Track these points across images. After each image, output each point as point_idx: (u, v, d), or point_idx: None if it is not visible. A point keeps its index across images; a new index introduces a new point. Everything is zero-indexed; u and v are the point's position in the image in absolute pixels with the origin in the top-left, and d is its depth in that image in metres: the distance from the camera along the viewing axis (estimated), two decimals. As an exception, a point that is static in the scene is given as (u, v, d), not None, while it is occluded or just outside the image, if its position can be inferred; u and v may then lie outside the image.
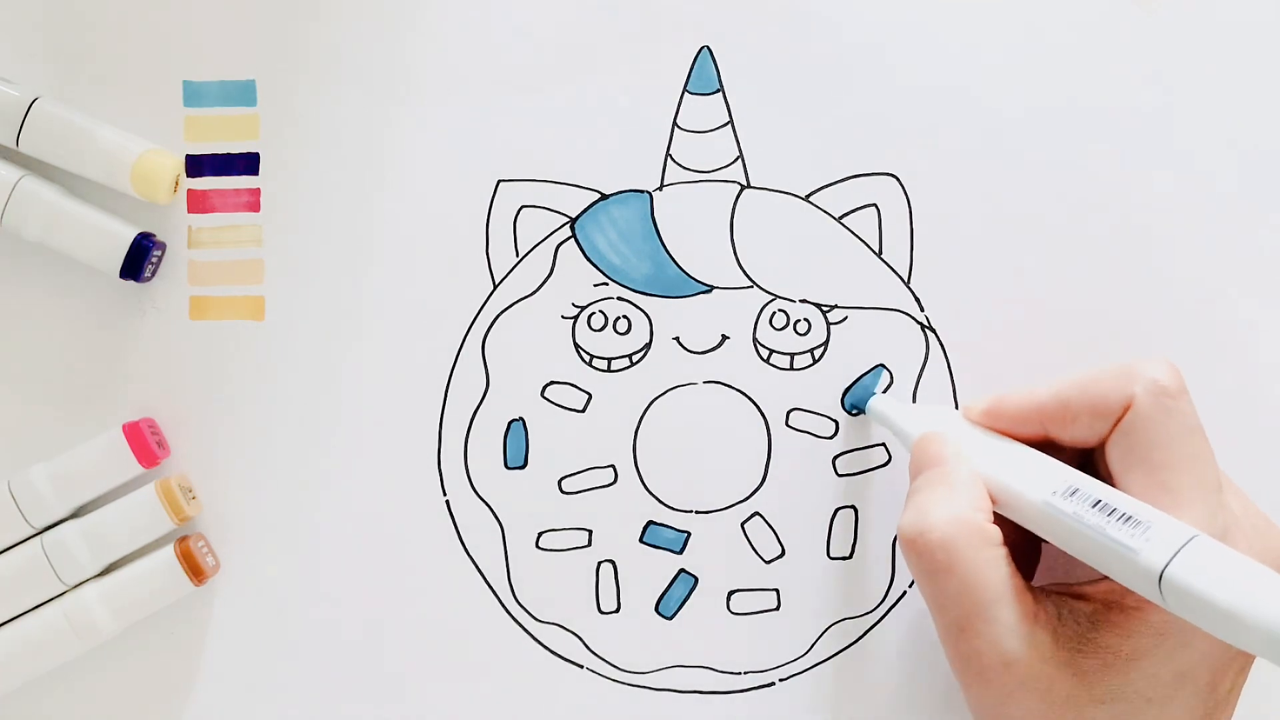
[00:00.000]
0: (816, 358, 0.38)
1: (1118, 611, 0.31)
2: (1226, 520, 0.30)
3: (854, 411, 0.38)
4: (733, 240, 0.38)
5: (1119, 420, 0.31)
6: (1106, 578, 0.31)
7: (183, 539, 0.38)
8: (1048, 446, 0.33)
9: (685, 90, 0.38)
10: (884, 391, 0.38)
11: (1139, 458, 0.31)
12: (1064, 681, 0.30)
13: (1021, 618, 0.31)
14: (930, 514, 0.31)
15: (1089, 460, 0.34)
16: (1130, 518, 0.29)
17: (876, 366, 0.38)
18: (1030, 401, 0.33)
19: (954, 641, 0.31)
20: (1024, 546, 0.34)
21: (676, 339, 0.38)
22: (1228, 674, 0.32)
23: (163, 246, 0.38)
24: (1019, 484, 0.31)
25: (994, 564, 0.31)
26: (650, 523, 0.38)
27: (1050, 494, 0.30)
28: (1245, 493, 0.33)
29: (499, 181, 0.38)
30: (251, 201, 0.39)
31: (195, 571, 0.37)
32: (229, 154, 0.39)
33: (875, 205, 0.38)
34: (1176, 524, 0.28)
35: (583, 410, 0.38)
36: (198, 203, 0.39)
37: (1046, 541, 0.33)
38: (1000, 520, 0.32)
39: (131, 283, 0.38)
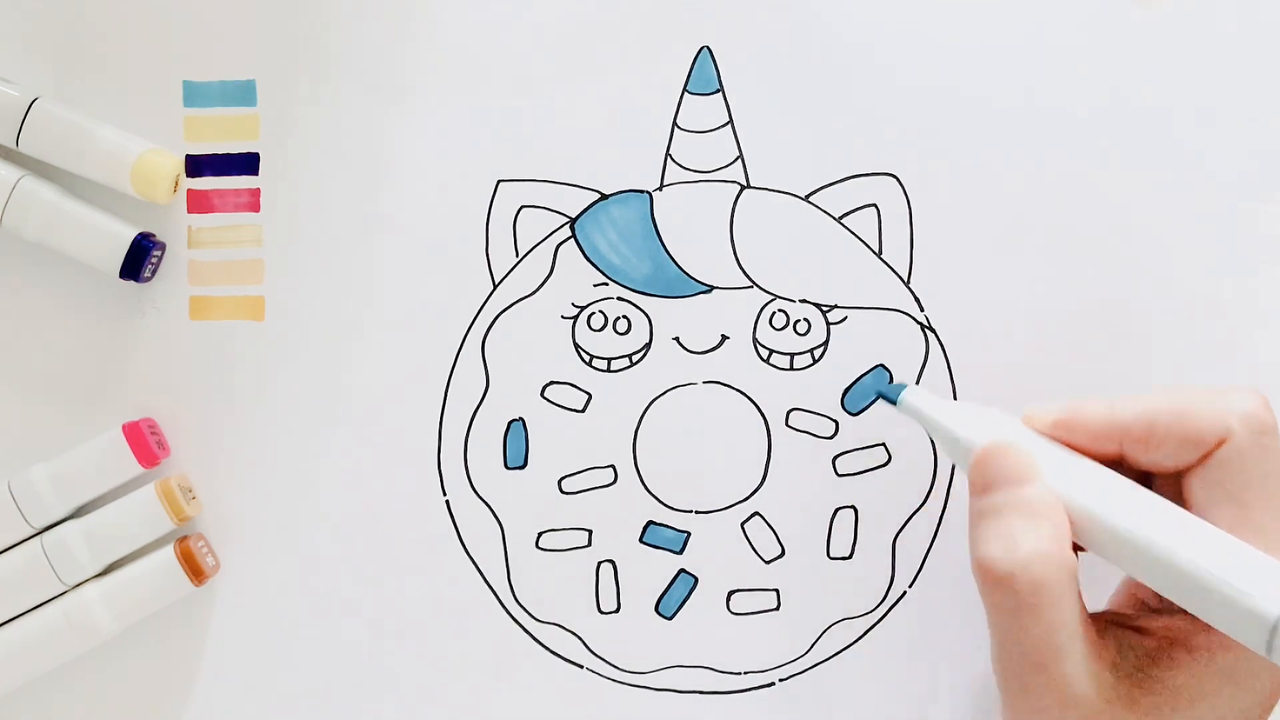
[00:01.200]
0: (816, 358, 0.38)
1: (1182, 650, 0.30)
2: None
3: (857, 411, 0.38)
4: (733, 240, 0.38)
5: (1209, 452, 0.30)
6: (1166, 611, 0.31)
7: (183, 539, 0.38)
8: (1114, 464, 0.32)
9: (685, 90, 0.38)
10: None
11: (1229, 494, 0.30)
12: (1124, 717, 0.30)
13: (1089, 656, 0.30)
14: (1021, 548, 0.29)
15: (1150, 480, 0.33)
16: (1235, 566, 0.28)
17: (877, 366, 0.38)
18: (1111, 419, 0.31)
19: (1020, 676, 0.30)
20: None
21: (676, 339, 0.38)
22: (1271, 707, 0.31)
23: (162, 246, 0.38)
24: (1115, 518, 0.30)
25: (1076, 603, 0.30)
26: (650, 523, 0.38)
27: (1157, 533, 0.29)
28: None
29: (499, 181, 0.38)
30: (251, 201, 0.39)
31: (195, 571, 0.37)
32: (229, 154, 0.39)
33: (875, 205, 0.38)
34: None
35: (583, 410, 0.38)
36: (198, 203, 0.39)
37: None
38: None
39: (131, 283, 0.38)
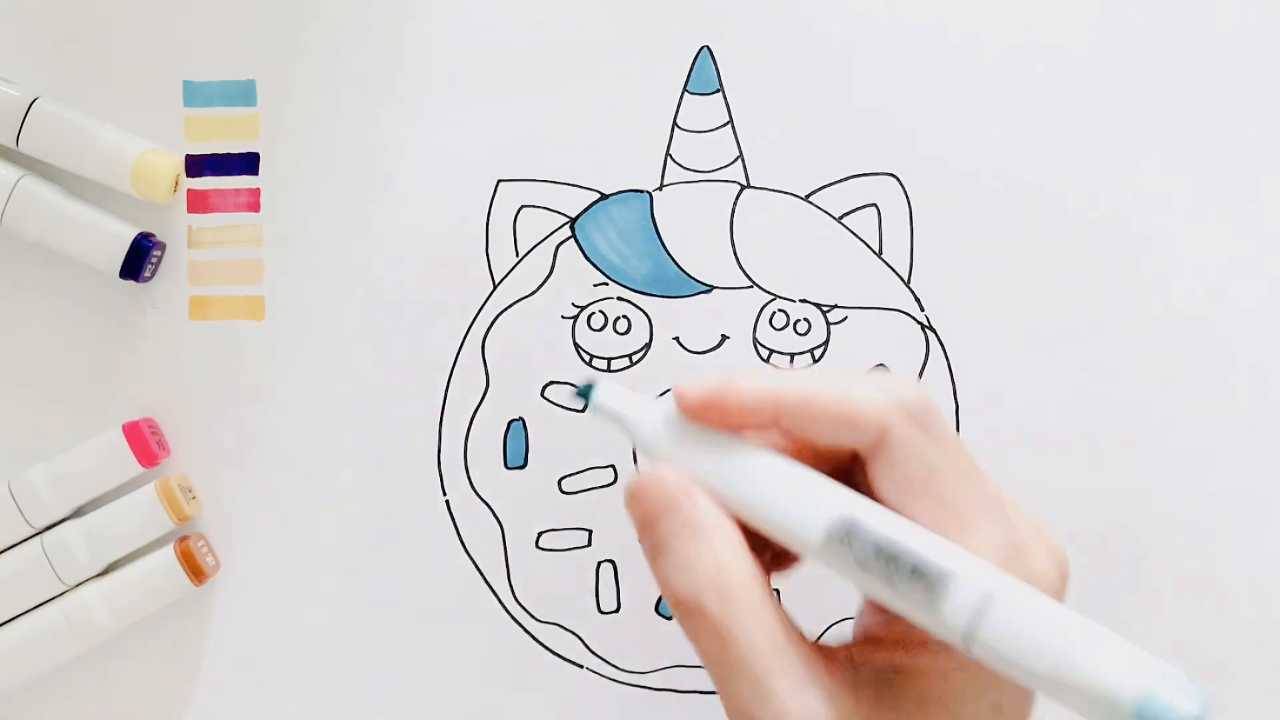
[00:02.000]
0: (816, 358, 0.38)
1: (920, 651, 0.28)
2: (1019, 535, 0.27)
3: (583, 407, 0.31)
4: (733, 240, 0.38)
5: (876, 445, 0.27)
6: (897, 619, 0.28)
7: (183, 539, 0.38)
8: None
9: (685, 90, 0.38)
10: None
11: (907, 483, 0.27)
12: None
13: (812, 677, 0.27)
14: (697, 570, 0.27)
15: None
16: (918, 569, 0.25)
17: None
18: (766, 396, 0.28)
19: (743, 705, 0.27)
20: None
21: (676, 339, 0.38)
22: (1031, 694, 0.29)
23: (162, 246, 0.38)
24: (779, 517, 0.27)
25: (772, 615, 0.27)
26: (650, 523, 0.38)
27: (825, 537, 0.26)
28: (1017, 501, 0.30)
29: (499, 181, 0.38)
30: (251, 201, 0.39)
31: (195, 571, 0.37)
32: (229, 154, 0.39)
33: (875, 205, 0.38)
34: (973, 570, 0.25)
35: (583, 410, 0.38)
36: (198, 203, 0.39)
37: None
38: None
39: (131, 283, 0.38)
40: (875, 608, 0.29)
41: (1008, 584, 0.25)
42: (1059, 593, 0.27)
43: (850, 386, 0.28)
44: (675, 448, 0.28)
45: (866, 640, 0.29)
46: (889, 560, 0.25)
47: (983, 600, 0.24)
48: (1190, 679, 0.23)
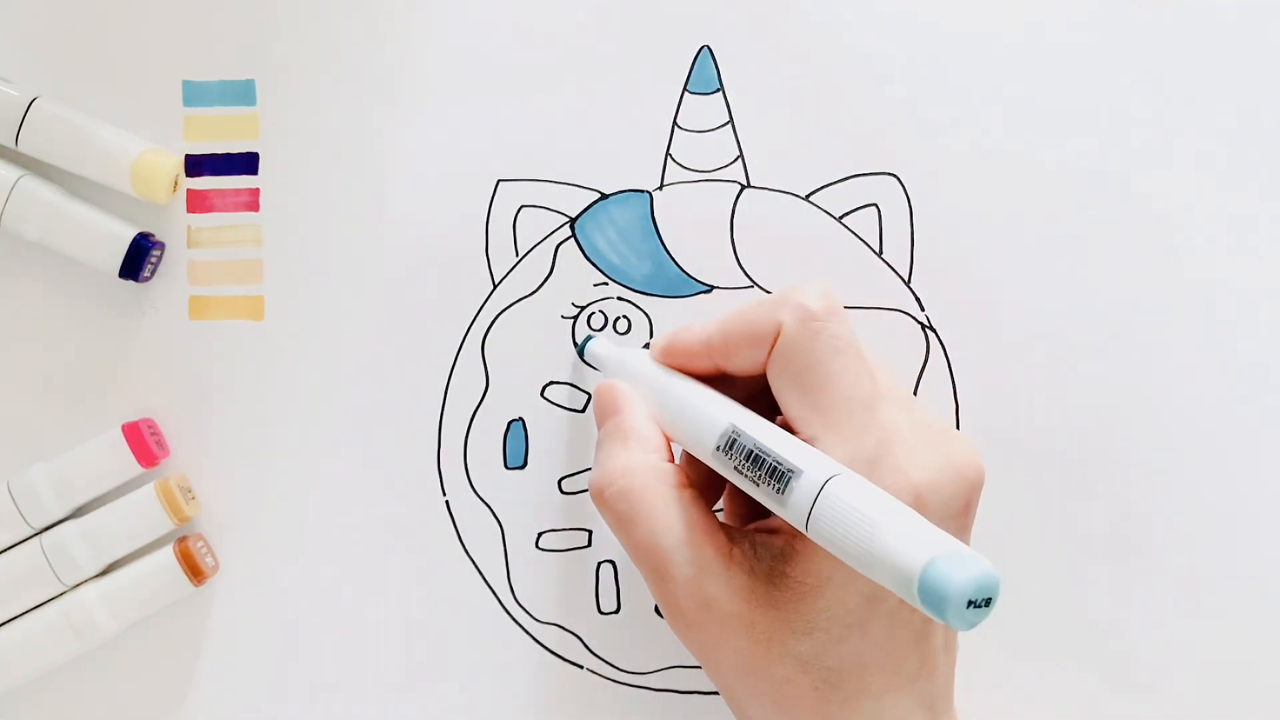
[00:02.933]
0: (816, 358, 0.38)
1: (800, 539, 0.31)
2: (881, 436, 0.30)
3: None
4: (733, 240, 0.38)
5: (772, 347, 0.31)
6: None
7: (182, 539, 0.38)
8: (730, 380, 0.33)
9: (685, 90, 0.38)
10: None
11: (790, 380, 0.31)
12: (764, 617, 0.31)
13: (715, 558, 0.31)
14: (607, 467, 0.32)
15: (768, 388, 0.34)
16: (776, 468, 0.29)
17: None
18: (697, 337, 0.33)
19: (656, 590, 0.32)
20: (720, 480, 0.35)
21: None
22: None
23: (162, 246, 0.38)
24: (690, 433, 0.32)
25: (674, 506, 0.31)
26: (650, 523, 0.38)
27: (714, 448, 0.31)
28: (924, 408, 0.34)
29: (499, 181, 0.38)
30: (251, 201, 0.39)
31: (194, 572, 0.37)
32: (228, 154, 0.39)
33: (875, 205, 0.38)
34: (818, 466, 0.28)
35: (583, 410, 0.38)
36: (197, 202, 0.39)
37: None
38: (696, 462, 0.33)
39: (131, 282, 0.38)
40: None
41: (839, 479, 0.28)
42: (936, 491, 0.30)
43: (755, 305, 0.32)
44: (628, 379, 0.35)
45: (770, 530, 0.32)
46: (756, 462, 0.30)
47: (815, 492, 0.28)
48: (977, 554, 0.25)
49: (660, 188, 0.38)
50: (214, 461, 0.38)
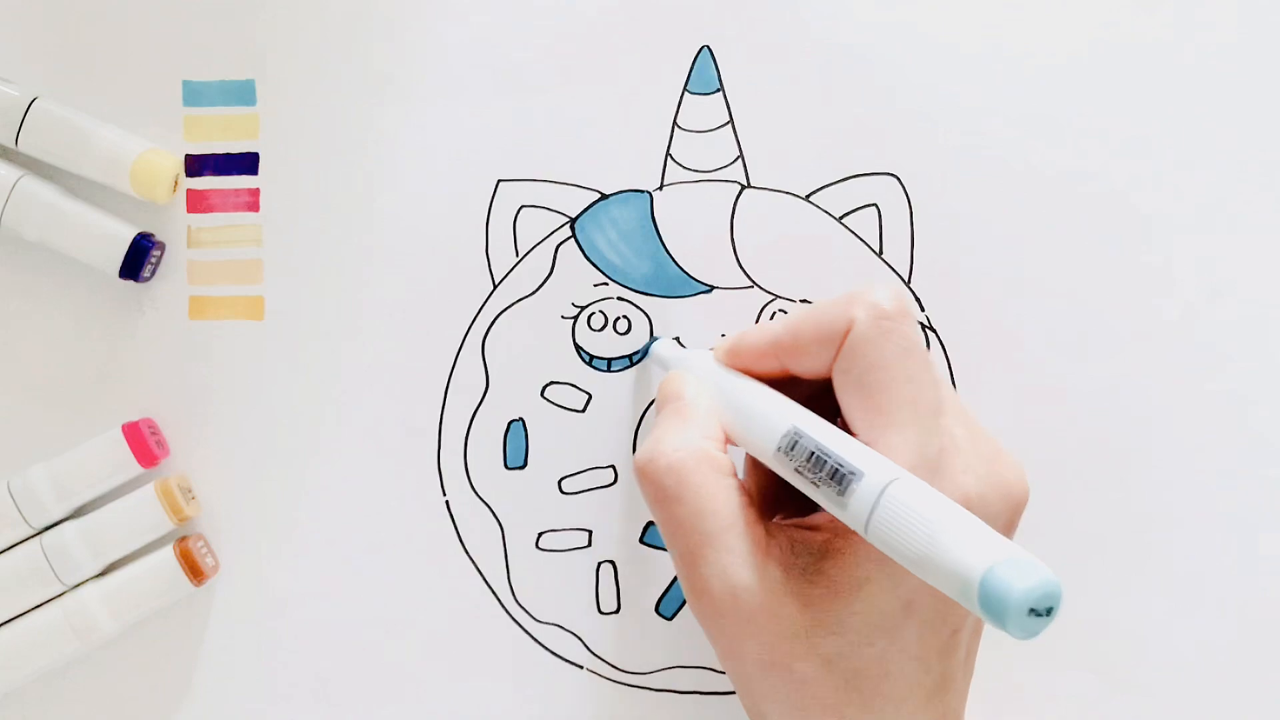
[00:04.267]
0: (816, 358, 0.38)
1: (843, 538, 0.31)
2: (943, 444, 0.30)
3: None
4: (733, 240, 0.38)
5: (841, 345, 0.31)
6: None
7: (182, 539, 0.38)
8: (793, 382, 0.33)
9: (685, 90, 0.38)
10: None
11: (856, 380, 0.31)
12: (794, 612, 0.30)
13: (752, 549, 0.31)
14: (662, 442, 0.32)
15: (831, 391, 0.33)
16: (838, 470, 0.29)
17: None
18: (766, 336, 0.33)
19: (686, 572, 0.31)
20: (774, 480, 0.34)
21: (677, 339, 0.38)
22: (955, 607, 0.31)
23: (162, 246, 0.38)
24: (752, 433, 0.32)
25: (724, 493, 0.31)
26: (650, 523, 0.38)
27: (775, 449, 0.30)
28: (977, 422, 0.33)
29: (499, 181, 0.38)
30: (251, 201, 0.39)
31: (194, 571, 0.37)
32: (229, 154, 0.39)
33: (875, 205, 0.38)
34: (880, 469, 0.28)
35: (583, 410, 0.38)
36: (197, 202, 0.39)
37: None
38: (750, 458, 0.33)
39: (131, 282, 0.38)
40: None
41: (900, 482, 0.28)
42: (983, 505, 0.30)
43: (825, 304, 0.32)
44: (694, 376, 0.34)
45: (810, 527, 0.32)
46: (817, 464, 0.29)
47: (877, 495, 0.27)
48: (1039, 561, 0.24)
49: (660, 188, 0.38)
50: (214, 461, 0.39)
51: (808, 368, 0.32)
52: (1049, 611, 0.24)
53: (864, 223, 0.38)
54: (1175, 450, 0.38)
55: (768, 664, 0.31)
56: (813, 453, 0.29)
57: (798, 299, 0.38)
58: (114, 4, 0.38)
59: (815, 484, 0.29)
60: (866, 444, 0.30)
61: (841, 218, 0.38)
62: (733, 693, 0.38)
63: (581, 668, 0.39)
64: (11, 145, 0.37)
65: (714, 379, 0.34)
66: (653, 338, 0.38)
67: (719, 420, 0.33)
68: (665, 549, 0.38)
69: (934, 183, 0.38)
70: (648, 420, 0.38)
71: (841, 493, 0.28)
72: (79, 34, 0.38)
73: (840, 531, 0.31)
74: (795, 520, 0.33)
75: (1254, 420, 0.38)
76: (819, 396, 0.33)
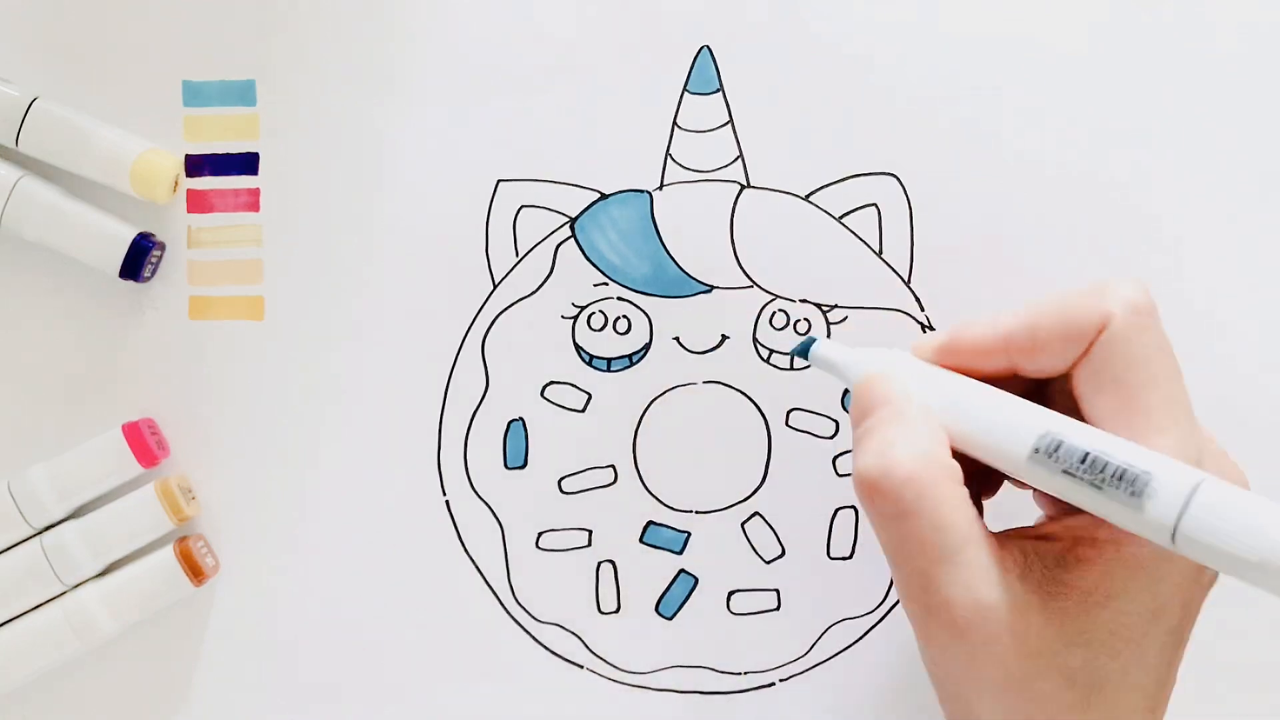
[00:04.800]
0: (816, 358, 0.38)
1: (1088, 547, 0.29)
2: (1200, 445, 0.29)
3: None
4: (733, 240, 0.38)
5: (1092, 343, 0.29)
6: (1067, 513, 0.30)
7: (182, 539, 0.38)
8: (1004, 379, 0.31)
9: (685, 90, 0.38)
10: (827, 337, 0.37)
11: (1112, 378, 0.29)
12: (1038, 627, 0.29)
13: (992, 562, 0.29)
14: (893, 450, 0.29)
15: (1043, 390, 0.32)
16: (1125, 471, 0.27)
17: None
18: (994, 332, 0.31)
19: (922, 592, 0.29)
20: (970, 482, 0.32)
21: (676, 339, 0.38)
22: (1193, 608, 0.30)
23: (162, 246, 0.38)
24: (994, 437, 0.29)
25: (962, 504, 0.29)
26: (650, 523, 0.38)
27: (1033, 450, 0.28)
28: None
29: (499, 181, 0.38)
30: (251, 201, 0.39)
31: (195, 572, 0.37)
32: (229, 154, 0.39)
33: (875, 205, 0.38)
34: (1174, 469, 0.27)
35: (583, 410, 0.38)
36: (197, 202, 0.39)
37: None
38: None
39: (131, 283, 0.38)
40: (1052, 506, 0.31)
41: (1209, 480, 0.26)
42: None
43: (1067, 298, 0.30)
44: (898, 376, 0.31)
45: (1041, 536, 0.30)
46: (1095, 466, 0.27)
47: (1185, 498, 0.26)
48: None
49: (660, 188, 0.38)
50: (214, 461, 0.39)
51: (1043, 367, 0.30)
52: None
53: (864, 223, 0.38)
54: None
55: (1006, 685, 0.29)
56: (1087, 454, 0.28)
57: (797, 299, 0.38)
58: (114, 4, 0.38)
59: (1097, 486, 0.27)
60: None
61: (841, 218, 0.38)
62: (733, 693, 0.38)
63: (581, 668, 0.39)
64: (11, 145, 0.37)
65: (926, 380, 0.31)
66: (810, 338, 0.34)
67: (938, 421, 0.30)
68: (668, 549, 0.38)
69: (934, 183, 0.38)
70: (648, 420, 0.38)
71: (1136, 494, 0.27)
72: (79, 34, 0.38)
73: (1084, 540, 0.30)
74: (1021, 529, 0.32)
75: (1255, 420, 0.38)
76: (1032, 398, 0.31)
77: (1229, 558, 0.25)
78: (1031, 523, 0.32)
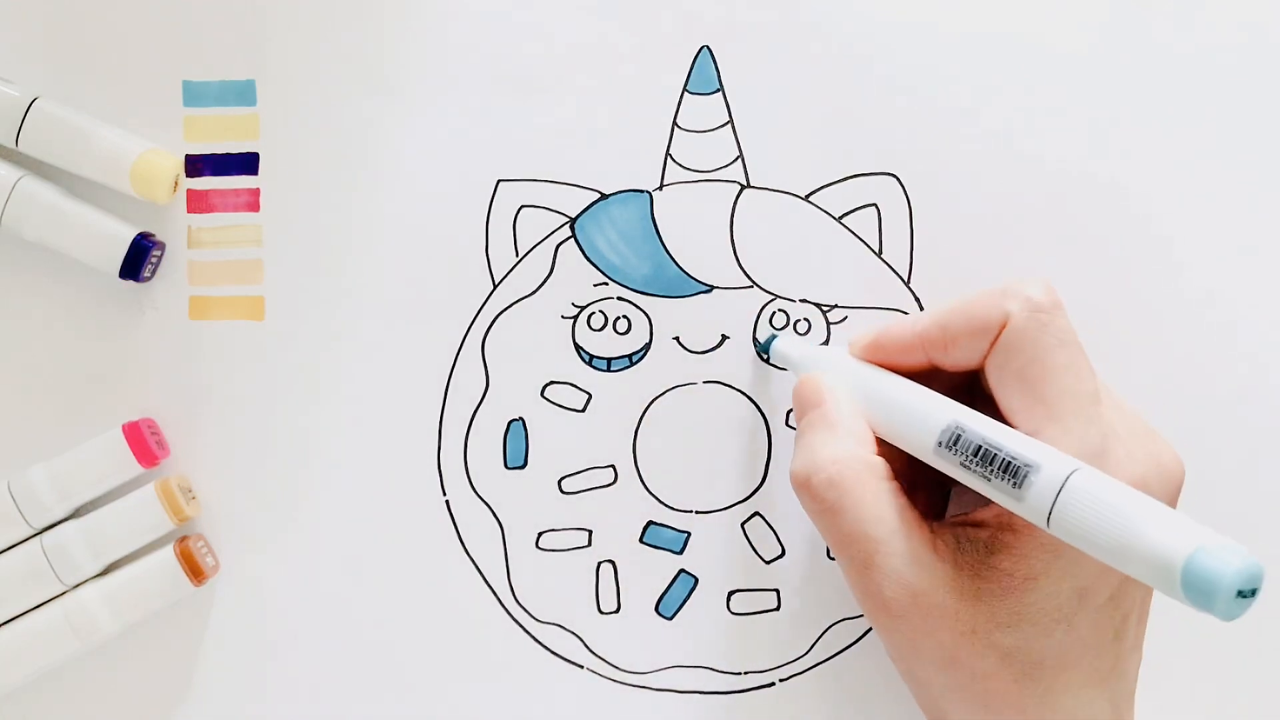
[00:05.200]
0: (816, 358, 0.38)
1: (1010, 533, 0.31)
2: (1104, 430, 0.31)
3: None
4: (733, 240, 0.38)
5: (995, 339, 0.31)
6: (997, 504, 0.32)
7: (182, 539, 0.38)
8: (932, 374, 0.33)
9: (685, 90, 0.38)
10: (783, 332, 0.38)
11: (1014, 373, 0.31)
12: (969, 609, 0.31)
13: (920, 549, 0.31)
14: (816, 455, 0.32)
15: (973, 383, 0.34)
16: (1011, 464, 0.29)
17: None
18: (911, 330, 0.33)
19: (858, 580, 0.32)
20: (922, 475, 0.34)
21: (676, 339, 0.38)
22: (1128, 588, 0.32)
23: (162, 246, 0.38)
24: (907, 429, 0.32)
25: (884, 498, 0.31)
26: (650, 523, 0.38)
27: (935, 444, 0.31)
28: (1129, 405, 0.34)
29: (499, 181, 0.38)
30: (251, 201, 0.39)
31: (195, 571, 0.37)
32: (229, 154, 0.39)
33: (875, 205, 0.38)
34: (1056, 461, 0.28)
35: (583, 410, 0.38)
36: (197, 203, 0.39)
37: None
38: (894, 454, 0.33)
39: (131, 283, 0.38)
40: (980, 495, 0.32)
41: (1081, 473, 0.28)
42: (1146, 488, 0.30)
43: (974, 297, 0.32)
44: (831, 375, 0.34)
45: (973, 523, 0.32)
46: (986, 458, 0.29)
47: (1058, 487, 0.28)
48: (1237, 544, 0.25)
49: (660, 188, 0.38)
50: (214, 461, 0.39)
51: (957, 361, 0.32)
52: (1253, 593, 0.25)
53: (864, 223, 0.38)
54: (1177, 448, 0.38)
55: (947, 662, 0.31)
56: (980, 446, 0.30)
57: (797, 299, 0.38)
58: (114, 4, 0.38)
59: (986, 478, 0.29)
60: (1028, 435, 0.30)
61: (841, 218, 0.38)
62: (733, 692, 0.38)
63: (581, 668, 0.39)
64: (12, 145, 0.37)
65: (854, 376, 0.34)
66: (772, 335, 0.37)
67: (866, 420, 0.33)
68: (668, 549, 0.38)
69: (934, 183, 0.38)
70: (648, 420, 0.38)
71: (1017, 485, 0.29)
72: (79, 34, 0.38)
73: (1007, 525, 0.31)
74: (957, 517, 0.33)
75: (1255, 420, 0.38)
76: (957, 390, 0.33)
77: (1091, 543, 0.27)
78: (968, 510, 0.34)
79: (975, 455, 0.30)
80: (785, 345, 0.37)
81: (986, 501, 0.32)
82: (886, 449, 0.33)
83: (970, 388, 0.34)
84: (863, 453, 0.32)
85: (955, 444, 0.30)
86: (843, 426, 0.33)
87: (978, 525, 0.32)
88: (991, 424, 0.30)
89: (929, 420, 0.31)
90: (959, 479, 0.31)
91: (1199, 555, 0.25)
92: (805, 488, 0.32)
